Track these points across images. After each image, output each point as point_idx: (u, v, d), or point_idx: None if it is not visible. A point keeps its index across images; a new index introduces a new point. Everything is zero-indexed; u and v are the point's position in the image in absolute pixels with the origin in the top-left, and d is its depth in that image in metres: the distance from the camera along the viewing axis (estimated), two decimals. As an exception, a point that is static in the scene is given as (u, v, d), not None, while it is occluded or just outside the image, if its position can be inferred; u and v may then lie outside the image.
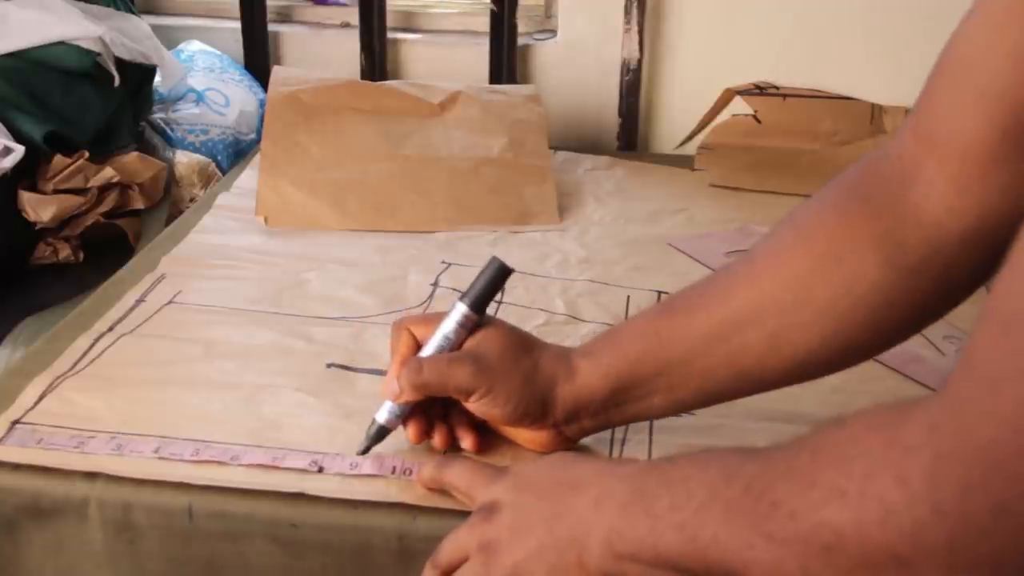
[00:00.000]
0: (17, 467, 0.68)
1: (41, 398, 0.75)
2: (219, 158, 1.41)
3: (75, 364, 0.80)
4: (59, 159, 1.18)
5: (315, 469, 0.68)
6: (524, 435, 0.70)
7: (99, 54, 1.24)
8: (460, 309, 0.68)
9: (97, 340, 0.84)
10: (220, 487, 0.67)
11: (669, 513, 0.48)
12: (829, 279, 0.60)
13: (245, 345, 0.85)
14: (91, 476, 0.67)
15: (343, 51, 1.54)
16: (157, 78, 1.40)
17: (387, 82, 1.35)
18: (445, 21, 1.62)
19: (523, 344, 0.69)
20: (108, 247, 1.22)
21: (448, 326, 0.69)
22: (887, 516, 0.38)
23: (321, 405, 0.77)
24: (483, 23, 1.53)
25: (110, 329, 0.86)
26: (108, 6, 1.35)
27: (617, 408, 0.67)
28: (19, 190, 1.17)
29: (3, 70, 1.19)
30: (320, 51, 1.59)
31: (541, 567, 0.53)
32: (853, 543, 0.39)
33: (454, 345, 0.69)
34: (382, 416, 0.70)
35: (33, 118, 1.18)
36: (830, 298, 0.60)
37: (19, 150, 1.13)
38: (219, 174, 1.37)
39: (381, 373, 0.81)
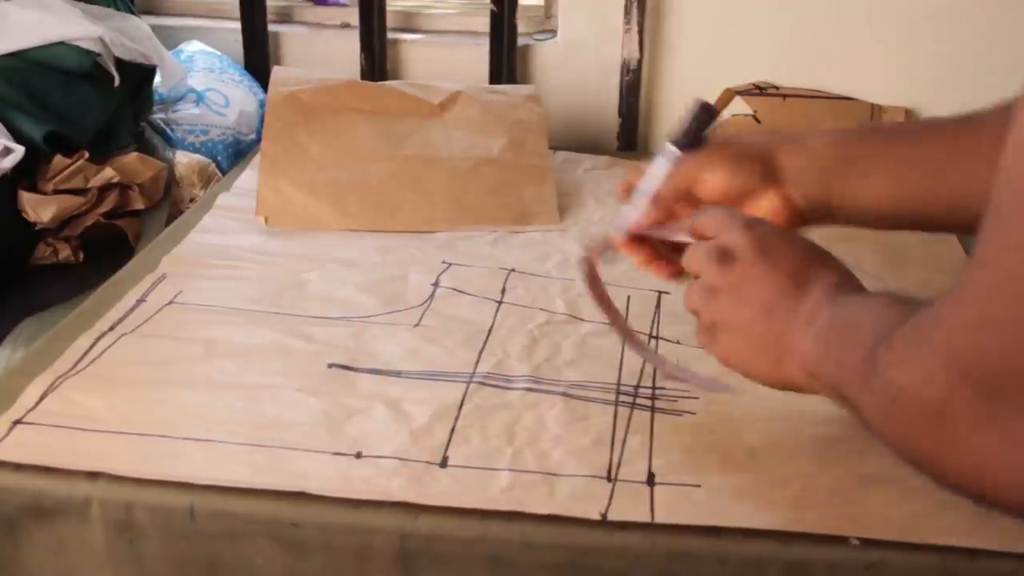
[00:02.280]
0: (18, 467, 0.68)
1: (42, 398, 0.75)
2: (219, 158, 1.41)
3: (76, 364, 0.80)
4: (59, 159, 1.18)
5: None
6: (761, 207, 0.75)
7: (99, 54, 1.24)
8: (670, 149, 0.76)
9: (98, 340, 0.84)
10: (222, 487, 0.67)
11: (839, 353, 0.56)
12: None
13: (245, 345, 0.85)
14: (93, 476, 0.67)
15: (343, 51, 1.55)
16: (157, 78, 1.40)
17: (387, 82, 1.35)
18: (445, 21, 1.62)
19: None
20: (108, 247, 1.22)
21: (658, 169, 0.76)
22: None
23: (321, 405, 0.77)
24: (483, 23, 1.53)
25: (111, 329, 0.86)
26: (108, 6, 1.35)
27: (841, 181, 0.72)
28: (19, 190, 1.17)
29: (3, 70, 1.19)
30: (320, 51, 1.59)
31: (744, 340, 0.62)
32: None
33: (662, 184, 0.76)
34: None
35: (33, 118, 1.18)
36: None
37: (19, 150, 1.13)
38: (219, 174, 1.37)
39: (381, 373, 0.81)
